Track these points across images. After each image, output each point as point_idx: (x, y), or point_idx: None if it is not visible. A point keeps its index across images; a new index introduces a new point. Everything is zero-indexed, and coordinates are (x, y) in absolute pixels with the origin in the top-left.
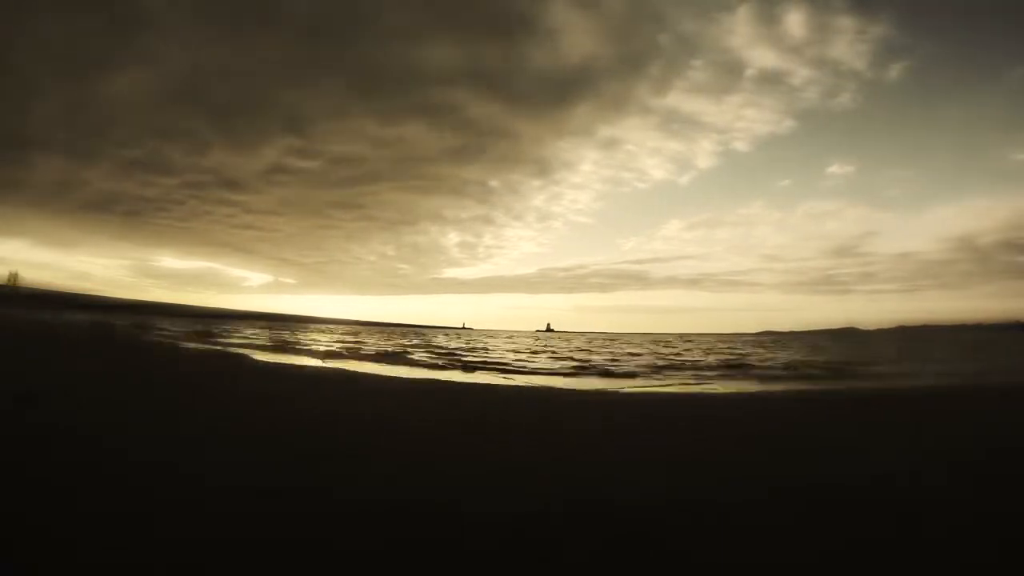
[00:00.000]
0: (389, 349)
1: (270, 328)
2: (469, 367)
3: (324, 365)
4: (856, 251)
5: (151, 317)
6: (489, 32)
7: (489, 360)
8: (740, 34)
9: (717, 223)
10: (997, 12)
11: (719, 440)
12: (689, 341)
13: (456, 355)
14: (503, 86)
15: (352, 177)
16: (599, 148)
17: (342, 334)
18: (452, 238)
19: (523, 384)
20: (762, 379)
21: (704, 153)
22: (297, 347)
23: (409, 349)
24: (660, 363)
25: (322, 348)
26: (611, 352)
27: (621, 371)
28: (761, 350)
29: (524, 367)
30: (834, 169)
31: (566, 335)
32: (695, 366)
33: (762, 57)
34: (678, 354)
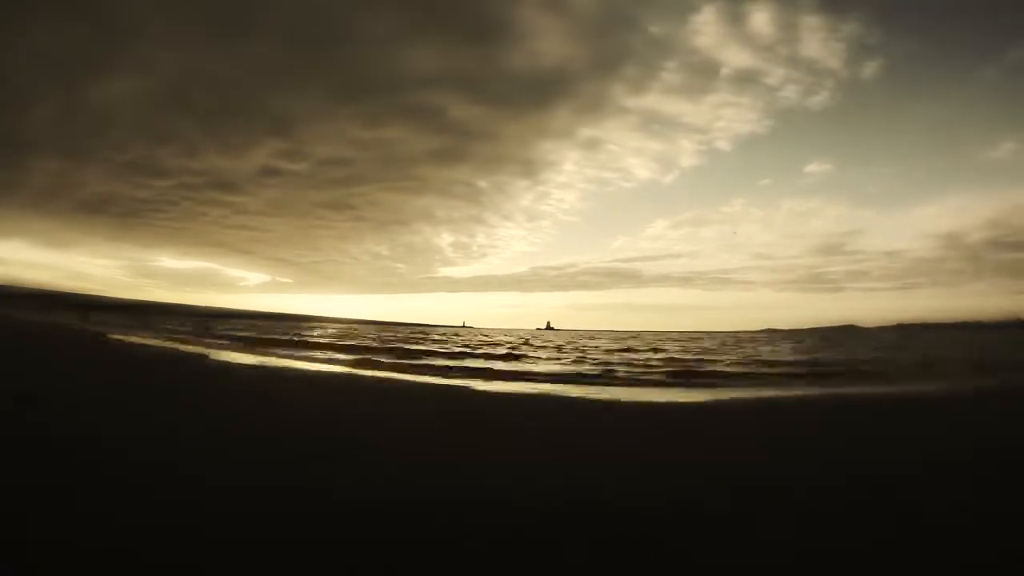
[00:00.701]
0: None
1: (254, 326)
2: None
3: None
4: (844, 249)
5: (147, 317)
6: (464, 36)
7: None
8: (708, 34)
9: (703, 222)
10: (967, 12)
11: None
12: (705, 339)
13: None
14: (482, 89)
15: (341, 178)
16: (581, 148)
17: (341, 331)
18: (445, 238)
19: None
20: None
21: (687, 153)
22: (306, 344)
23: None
24: (749, 365)
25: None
26: (653, 351)
27: (725, 372)
28: (831, 351)
29: (616, 373)
30: (813, 168)
31: (567, 333)
32: (788, 367)
33: (735, 57)
34: (755, 355)
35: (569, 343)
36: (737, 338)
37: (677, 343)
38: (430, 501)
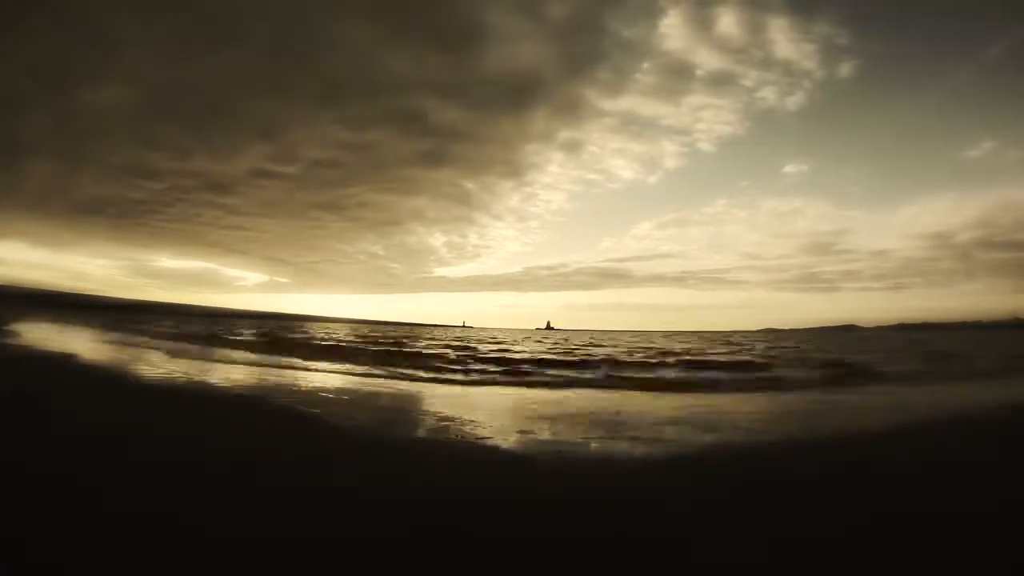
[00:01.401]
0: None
1: (231, 325)
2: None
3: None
4: (834, 249)
5: (146, 316)
6: (440, 41)
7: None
8: (677, 37)
9: (688, 222)
10: (937, 13)
11: None
12: (723, 338)
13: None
14: (461, 93)
15: (331, 180)
16: (563, 150)
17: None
18: (438, 238)
19: None
20: None
21: (670, 154)
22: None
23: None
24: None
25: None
26: (704, 351)
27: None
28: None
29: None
30: (791, 168)
31: (568, 333)
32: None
33: (709, 59)
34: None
35: (613, 344)
36: (753, 337)
37: (725, 343)
38: None
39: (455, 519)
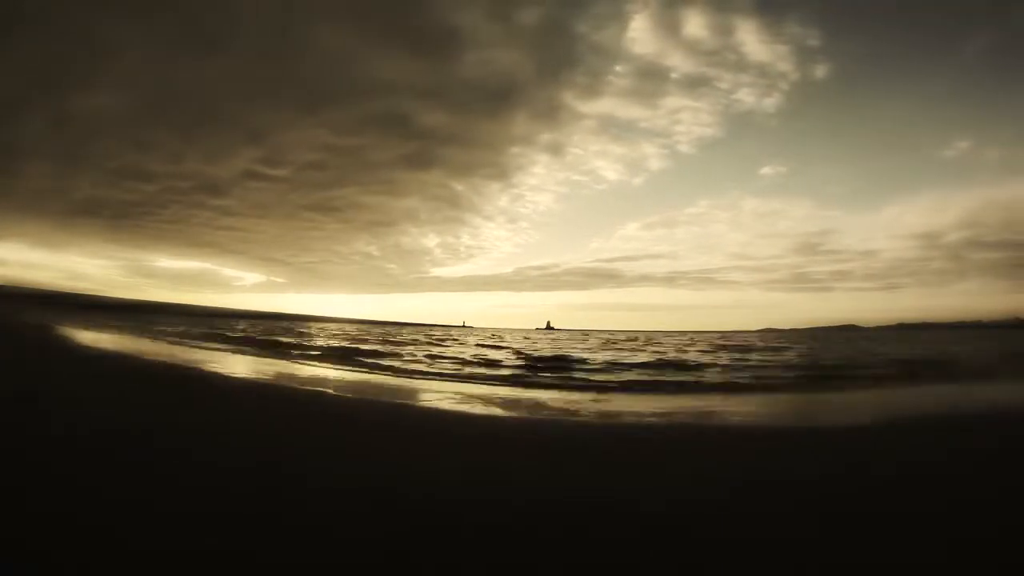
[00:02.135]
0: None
1: (205, 325)
2: None
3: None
4: (822, 249)
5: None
6: (417, 46)
7: None
8: (647, 41)
9: (674, 223)
10: (908, 16)
11: None
12: (732, 339)
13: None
14: (441, 97)
15: (320, 182)
16: (546, 152)
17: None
18: (432, 239)
19: None
20: None
21: (653, 156)
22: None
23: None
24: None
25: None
26: (750, 353)
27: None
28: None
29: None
30: (768, 170)
31: (568, 333)
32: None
33: (682, 62)
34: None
35: (651, 346)
36: (764, 337)
37: (742, 344)
38: None
39: None
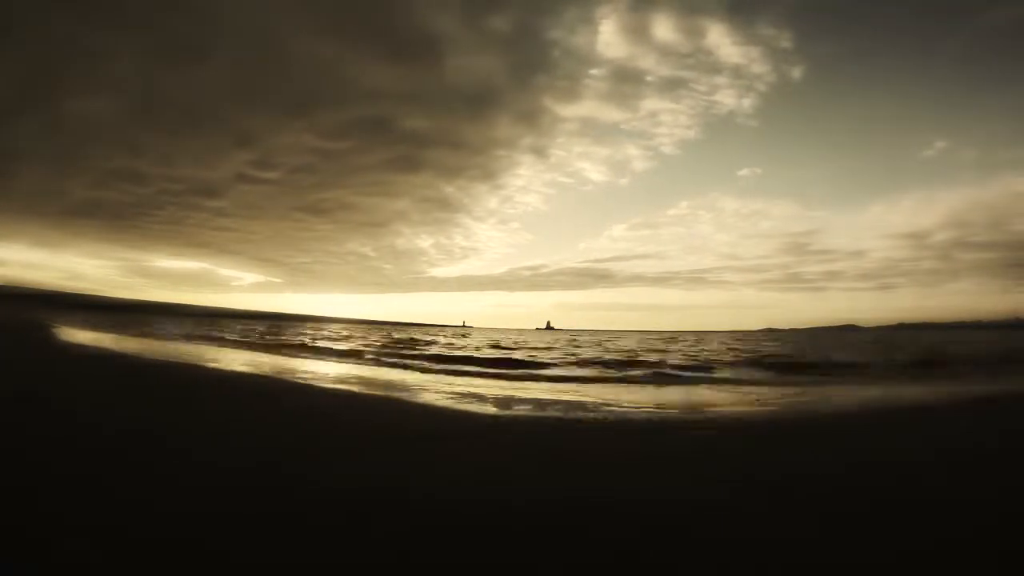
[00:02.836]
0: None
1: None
2: None
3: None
4: (810, 249)
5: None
6: (398, 52)
7: None
8: (618, 44)
9: (660, 223)
10: (881, 17)
11: None
12: (739, 338)
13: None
14: (424, 101)
15: (312, 184)
16: (531, 155)
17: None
18: (426, 239)
19: None
20: None
21: (636, 158)
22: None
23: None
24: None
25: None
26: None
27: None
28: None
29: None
30: (746, 172)
31: (569, 333)
32: None
33: (656, 66)
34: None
35: (700, 349)
36: (781, 335)
37: (761, 343)
38: None
39: None
